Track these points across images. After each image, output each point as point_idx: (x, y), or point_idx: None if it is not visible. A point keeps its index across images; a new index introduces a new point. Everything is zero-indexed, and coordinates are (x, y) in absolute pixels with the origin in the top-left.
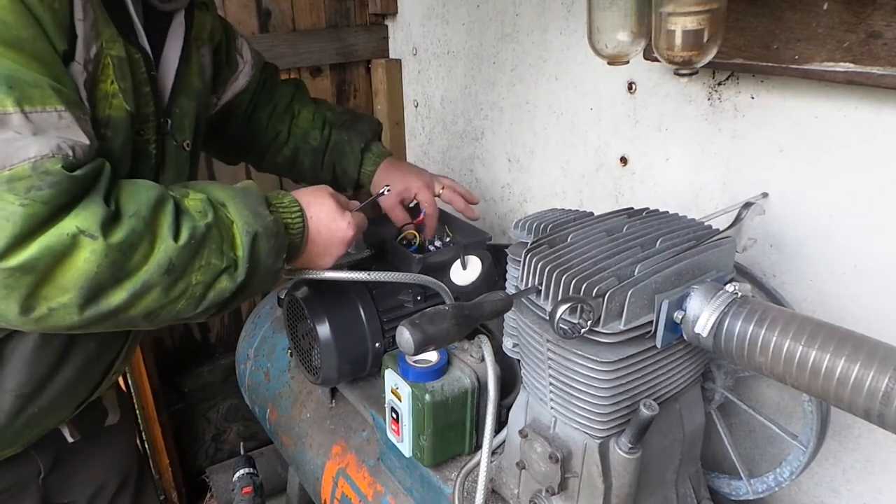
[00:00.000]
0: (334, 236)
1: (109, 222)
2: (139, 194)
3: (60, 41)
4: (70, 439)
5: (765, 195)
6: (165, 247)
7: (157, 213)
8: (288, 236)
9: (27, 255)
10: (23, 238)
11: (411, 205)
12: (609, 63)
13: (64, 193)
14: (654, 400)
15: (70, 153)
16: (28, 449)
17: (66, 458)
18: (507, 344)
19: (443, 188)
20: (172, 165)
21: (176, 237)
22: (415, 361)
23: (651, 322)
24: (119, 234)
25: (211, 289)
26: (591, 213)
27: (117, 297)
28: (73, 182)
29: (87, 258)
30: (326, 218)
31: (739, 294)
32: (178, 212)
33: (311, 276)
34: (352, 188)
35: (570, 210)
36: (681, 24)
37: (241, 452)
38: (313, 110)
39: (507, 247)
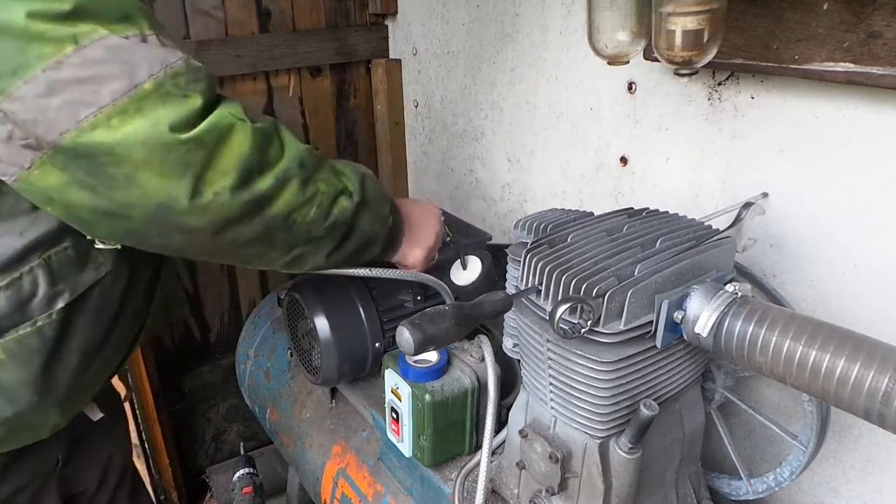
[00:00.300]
0: (428, 214)
1: (247, 116)
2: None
3: None
4: (95, 417)
5: (765, 195)
6: (296, 146)
7: (277, 124)
8: (390, 202)
9: (198, 131)
10: (195, 117)
11: None
12: (609, 63)
13: (213, 85)
14: (654, 400)
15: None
16: (48, 438)
17: (77, 448)
18: (507, 344)
19: None
20: None
21: (300, 143)
22: (415, 361)
23: (651, 322)
24: (259, 123)
25: (335, 203)
26: (591, 213)
27: (265, 182)
28: (214, 78)
29: (240, 140)
30: (411, 204)
31: (739, 294)
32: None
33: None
34: None
35: (570, 210)
36: (681, 24)
37: (241, 452)
38: None
39: (507, 247)
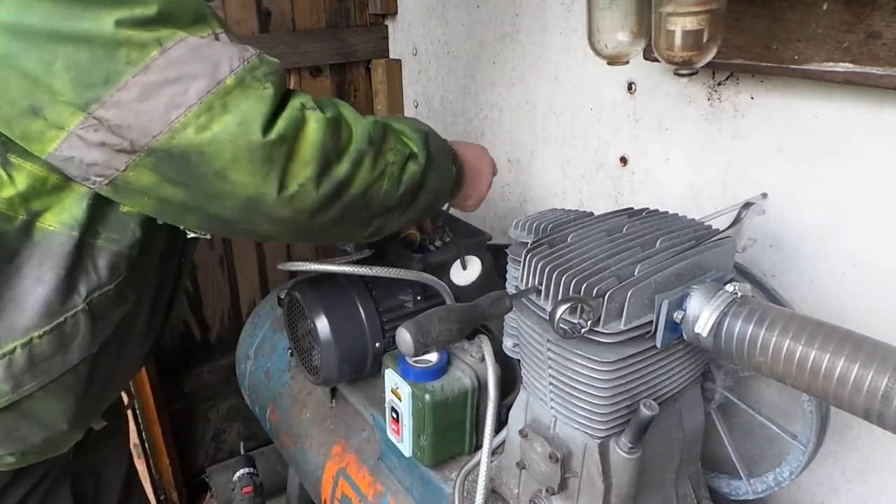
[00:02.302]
0: (482, 153)
1: (315, 105)
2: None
3: None
4: (98, 427)
5: (765, 195)
6: (361, 123)
7: (340, 106)
8: (452, 150)
9: (280, 127)
10: (274, 114)
11: None
12: (609, 63)
13: (283, 78)
14: (654, 400)
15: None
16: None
17: (85, 440)
18: (507, 344)
19: None
20: None
21: (365, 120)
22: (415, 361)
23: (651, 322)
24: (327, 111)
25: (404, 171)
26: (591, 213)
27: (342, 168)
28: (282, 72)
29: (315, 128)
30: (465, 147)
31: (739, 294)
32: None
33: (313, 271)
34: None
35: (570, 210)
36: (681, 25)
37: (241, 452)
38: None
39: (507, 247)
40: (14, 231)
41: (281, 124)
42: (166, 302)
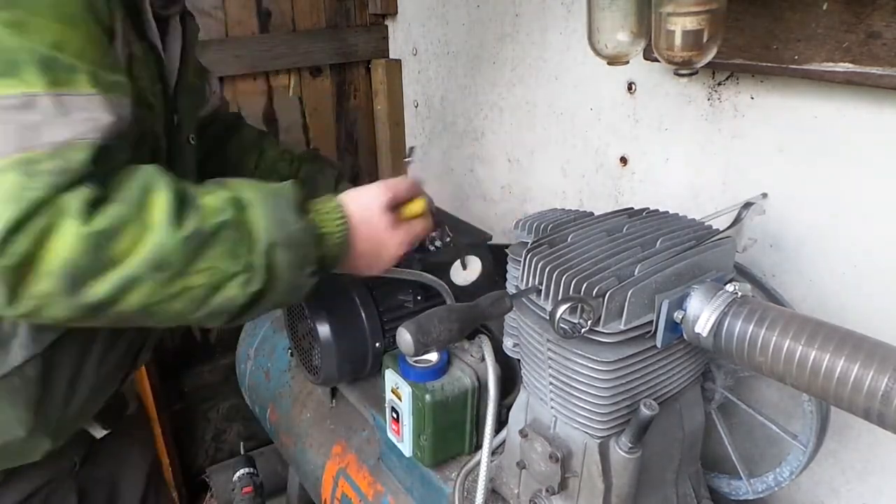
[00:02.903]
0: (380, 255)
1: (95, 205)
2: (136, 179)
3: (106, 28)
4: (98, 436)
5: (765, 195)
6: (157, 239)
7: (149, 200)
8: (324, 247)
9: (18, 242)
10: (20, 221)
11: None
12: (609, 63)
13: (69, 179)
14: (654, 400)
15: (96, 136)
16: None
17: (96, 450)
18: (507, 344)
19: None
20: (180, 159)
21: (174, 230)
22: (415, 361)
23: (651, 322)
24: (101, 220)
25: (216, 293)
26: (591, 213)
27: (101, 288)
28: (81, 166)
29: (67, 243)
30: (374, 232)
31: (739, 294)
32: (184, 204)
33: None
34: None
35: (570, 210)
36: (681, 25)
37: (241, 452)
38: (281, 149)
39: (507, 247)
40: None
41: (20, 238)
42: None
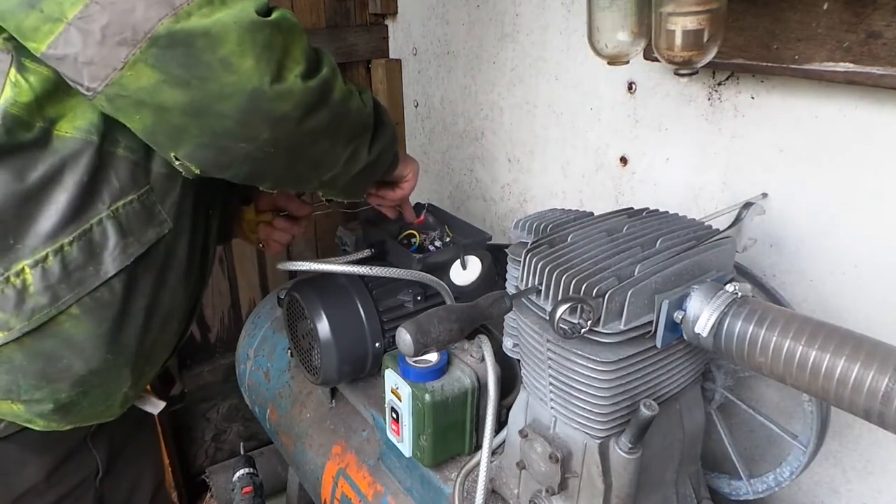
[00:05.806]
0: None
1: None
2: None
3: None
4: (154, 411)
5: (765, 195)
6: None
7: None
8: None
9: (276, 16)
10: (268, 11)
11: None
12: (609, 63)
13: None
14: (654, 400)
15: None
16: (89, 445)
17: (116, 456)
18: (507, 344)
19: None
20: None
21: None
22: (415, 361)
23: (651, 322)
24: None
25: (363, 95)
26: (591, 213)
27: (324, 71)
28: None
29: (301, 34)
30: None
31: (739, 294)
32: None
33: (313, 271)
34: None
35: (570, 210)
36: (681, 24)
37: (241, 452)
38: None
39: (507, 247)
40: (34, 138)
41: (276, 16)
42: (200, 250)
